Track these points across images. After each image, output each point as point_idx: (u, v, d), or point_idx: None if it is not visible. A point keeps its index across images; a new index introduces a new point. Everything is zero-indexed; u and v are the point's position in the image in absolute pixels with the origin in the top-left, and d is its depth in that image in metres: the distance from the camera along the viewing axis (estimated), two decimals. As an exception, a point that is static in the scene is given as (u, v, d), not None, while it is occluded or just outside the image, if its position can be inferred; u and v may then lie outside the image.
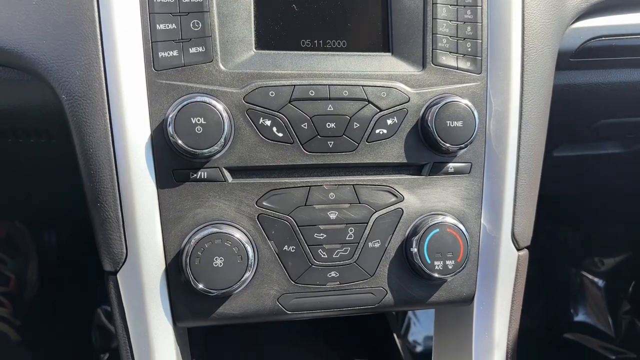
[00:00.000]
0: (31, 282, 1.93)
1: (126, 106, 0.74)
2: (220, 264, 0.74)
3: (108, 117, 0.74)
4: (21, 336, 1.82)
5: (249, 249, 0.75)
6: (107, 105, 0.74)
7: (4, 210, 1.53)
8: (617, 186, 1.63)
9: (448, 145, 0.81)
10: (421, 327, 1.98)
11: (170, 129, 0.73)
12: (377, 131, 0.81)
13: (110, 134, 0.74)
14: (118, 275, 0.77)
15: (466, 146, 0.82)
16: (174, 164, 0.76)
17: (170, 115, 0.73)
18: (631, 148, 1.27)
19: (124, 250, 0.76)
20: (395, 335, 1.29)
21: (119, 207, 0.75)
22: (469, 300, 0.87)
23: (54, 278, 1.94)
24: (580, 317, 2.23)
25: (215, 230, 0.75)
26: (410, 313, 1.96)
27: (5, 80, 0.83)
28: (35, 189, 1.32)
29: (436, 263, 0.81)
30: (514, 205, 0.87)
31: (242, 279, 0.75)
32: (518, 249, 0.88)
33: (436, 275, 0.81)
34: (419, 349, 1.94)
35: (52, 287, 1.94)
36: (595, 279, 2.25)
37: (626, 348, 2.13)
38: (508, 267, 0.88)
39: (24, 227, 1.86)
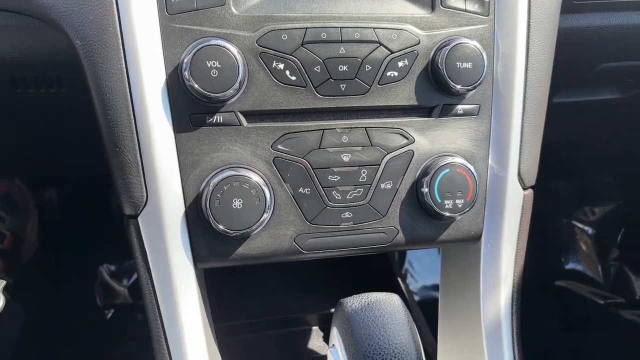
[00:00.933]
0: (30, 240, 1.94)
1: (141, 50, 0.74)
2: (239, 205, 0.76)
3: (124, 62, 0.74)
4: (20, 295, 1.83)
5: (266, 191, 0.77)
6: (122, 50, 0.74)
7: (5, 165, 1.53)
8: (611, 133, 1.66)
9: (458, 86, 0.82)
10: (422, 270, 2.03)
11: (186, 73, 0.73)
12: (389, 74, 0.82)
13: (126, 79, 0.75)
14: (139, 219, 0.79)
15: (475, 87, 0.83)
16: (190, 108, 0.76)
17: (186, 60, 0.73)
18: (629, 93, 1.29)
19: (144, 194, 0.78)
20: (399, 280, 1.33)
21: (138, 151, 0.76)
22: (476, 238, 0.90)
23: (55, 236, 1.95)
24: (570, 265, 2.30)
25: (233, 173, 0.76)
26: (411, 261, 2.01)
27: (16, 27, 0.82)
28: (39, 144, 1.32)
29: (446, 202, 0.83)
30: (520, 145, 0.89)
31: (261, 220, 0.77)
32: (524, 189, 0.91)
33: (447, 214, 0.84)
34: (420, 292, 2.00)
35: (53, 245, 1.96)
36: (586, 228, 2.31)
37: (614, 293, 2.21)
38: (514, 206, 0.90)
39: (23, 184, 1.86)
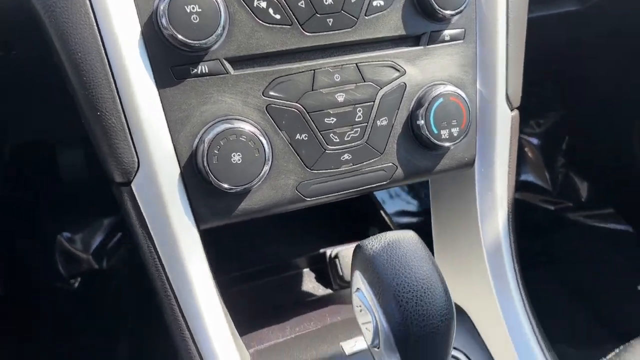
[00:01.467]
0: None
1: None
2: (239, 159, 0.72)
3: (92, 14, 0.66)
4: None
5: (264, 141, 0.73)
6: (88, 0, 0.66)
7: None
8: (564, 45, 1.70)
9: (446, 11, 0.80)
10: (387, 198, 2.07)
11: (164, 21, 0.66)
12: (374, 3, 0.78)
13: (98, 34, 0.67)
14: (132, 185, 0.73)
15: (461, 11, 0.81)
16: (171, 60, 0.70)
17: (161, 6, 0.66)
18: (587, 4, 1.31)
19: (135, 159, 0.72)
20: (382, 213, 1.34)
21: (122, 113, 0.70)
22: (470, 164, 0.90)
23: (5, 206, 1.83)
24: (521, 177, 2.41)
25: (228, 126, 0.71)
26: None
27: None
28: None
29: (442, 132, 0.83)
30: (506, 67, 0.88)
31: (262, 172, 0.74)
32: (511, 110, 0.91)
33: (445, 144, 0.83)
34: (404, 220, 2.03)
35: (4, 215, 1.84)
36: (531, 139, 2.41)
37: (563, 199, 2.34)
38: (504, 128, 0.91)
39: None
